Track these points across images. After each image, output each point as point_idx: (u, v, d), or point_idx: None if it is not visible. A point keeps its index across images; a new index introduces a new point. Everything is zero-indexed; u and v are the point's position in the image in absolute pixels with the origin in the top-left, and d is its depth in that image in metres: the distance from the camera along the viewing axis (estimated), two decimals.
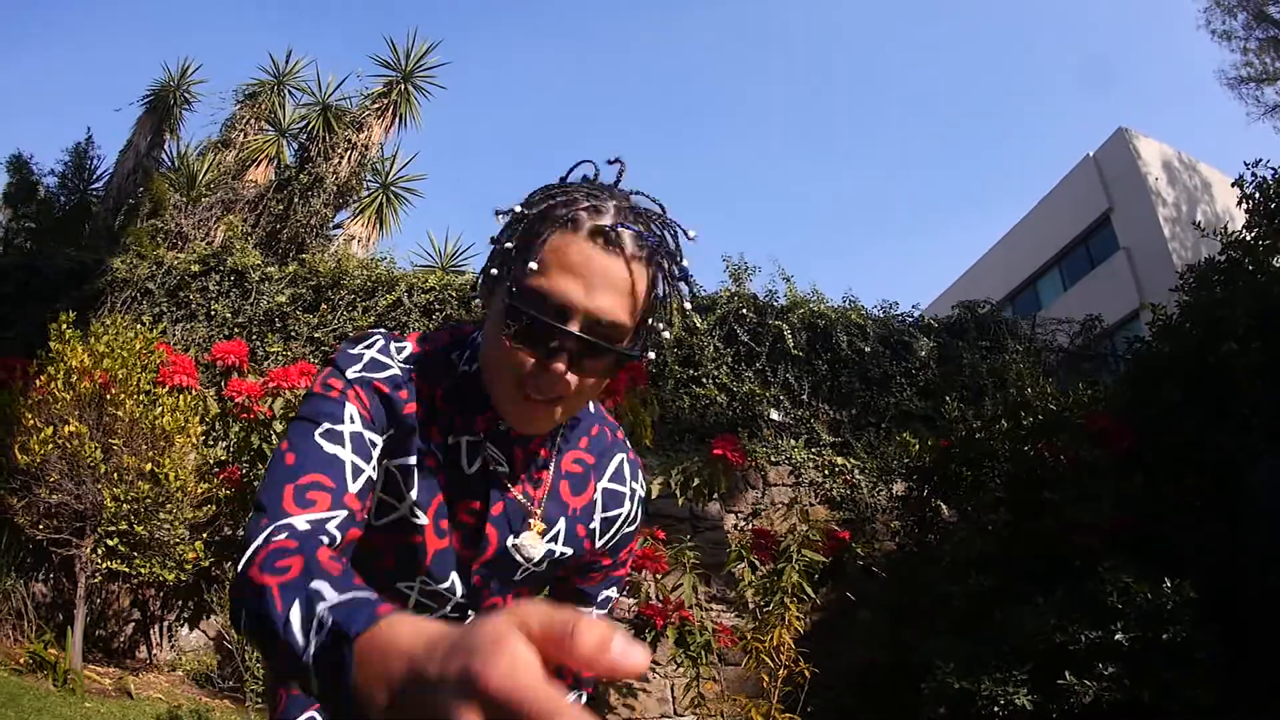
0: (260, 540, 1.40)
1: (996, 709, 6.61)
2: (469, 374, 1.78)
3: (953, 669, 6.96)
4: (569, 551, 1.88)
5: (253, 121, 21.53)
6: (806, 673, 6.08)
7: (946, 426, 9.48)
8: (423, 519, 1.75)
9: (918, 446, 9.58)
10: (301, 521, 1.47)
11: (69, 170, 22.64)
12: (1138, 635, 6.43)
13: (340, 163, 19.10)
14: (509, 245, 1.63)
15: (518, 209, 1.65)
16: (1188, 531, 7.33)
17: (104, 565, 7.54)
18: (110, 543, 7.47)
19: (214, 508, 8.14)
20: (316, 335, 13.04)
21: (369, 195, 20.88)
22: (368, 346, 1.76)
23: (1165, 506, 7.55)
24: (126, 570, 7.63)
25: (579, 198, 1.59)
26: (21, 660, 7.32)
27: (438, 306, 13.14)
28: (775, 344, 12.56)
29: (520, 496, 1.82)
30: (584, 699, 1.96)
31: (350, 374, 1.70)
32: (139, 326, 8.57)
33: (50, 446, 7.22)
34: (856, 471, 10.82)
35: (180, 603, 8.88)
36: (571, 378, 1.59)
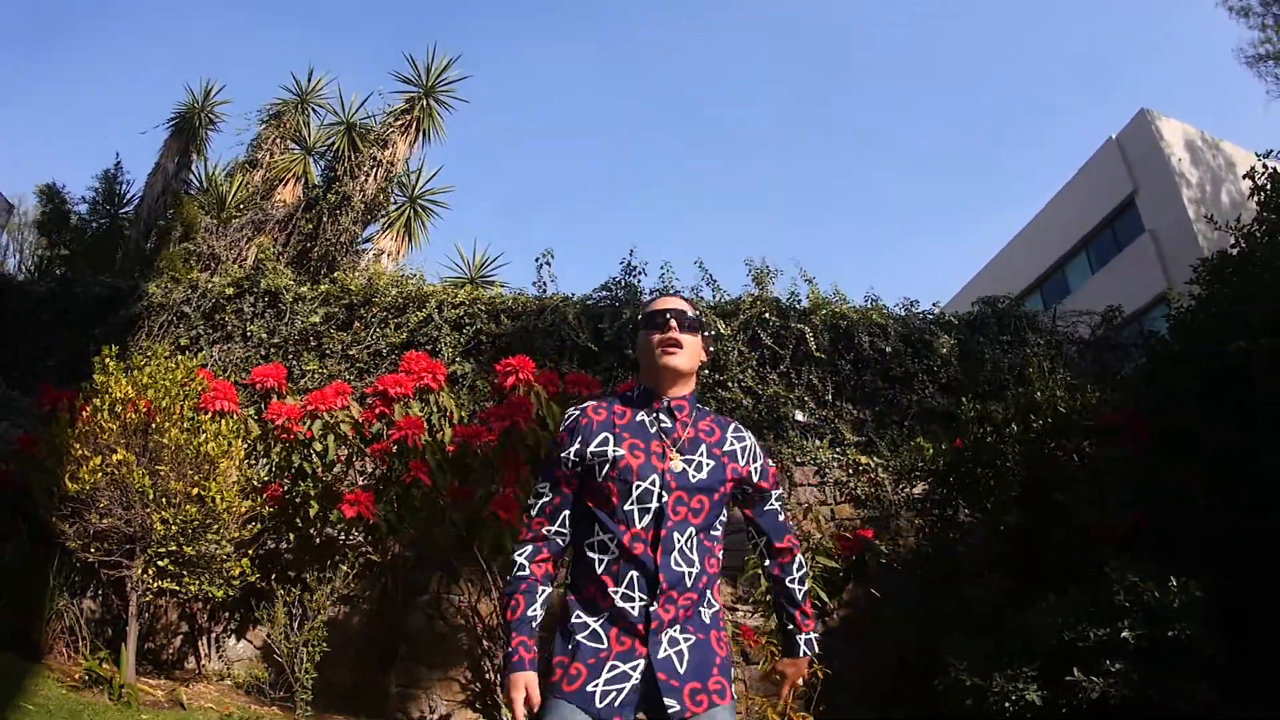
0: (517, 558, 3.42)
1: (1008, 704, 6.78)
2: (641, 391, 3.54)
3: (965, 666, 7.14)
4: (712, 463, 3.39)
5: (278, 141, 21.69)
6: (820, 674, 6.23)
7: (961, 427, 9.42)
8: (619, 450, 3.34)
9: (932, 450, 9.61)
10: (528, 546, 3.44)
11: (99, 196, 22.92)
12: (1144, 633, 6.54)
13: (366, 180, 19.32)
14: (639, 318, 3.64)
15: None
16: (1193, 525, 7.36)
17: (155, 584, 7.66)
18: (161, 563, 7.61)
19: (258, 525, 8.24)
20: (351, 353, 13.19)
21: (396, 209, 20.94)
22: (567, 414, 3.59)
23: (1171, 499, 7.55)
24: (176, 589, 7.75)
25: (650, 304, 3.59)
26: (77, 676, 7.48)
27: (468, 320, 13.24)
28: (798, 346, 12.55)
29: (677, 436, 3.43)
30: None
31: (562, 426, 3.57)
32: (180, 356, 8.65)
33: (99, 475, 7.34)
34: (880, 470, 10.84)
35: (227, 615, 9.08)
36: (677, 335, 3.43)
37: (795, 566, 3.71)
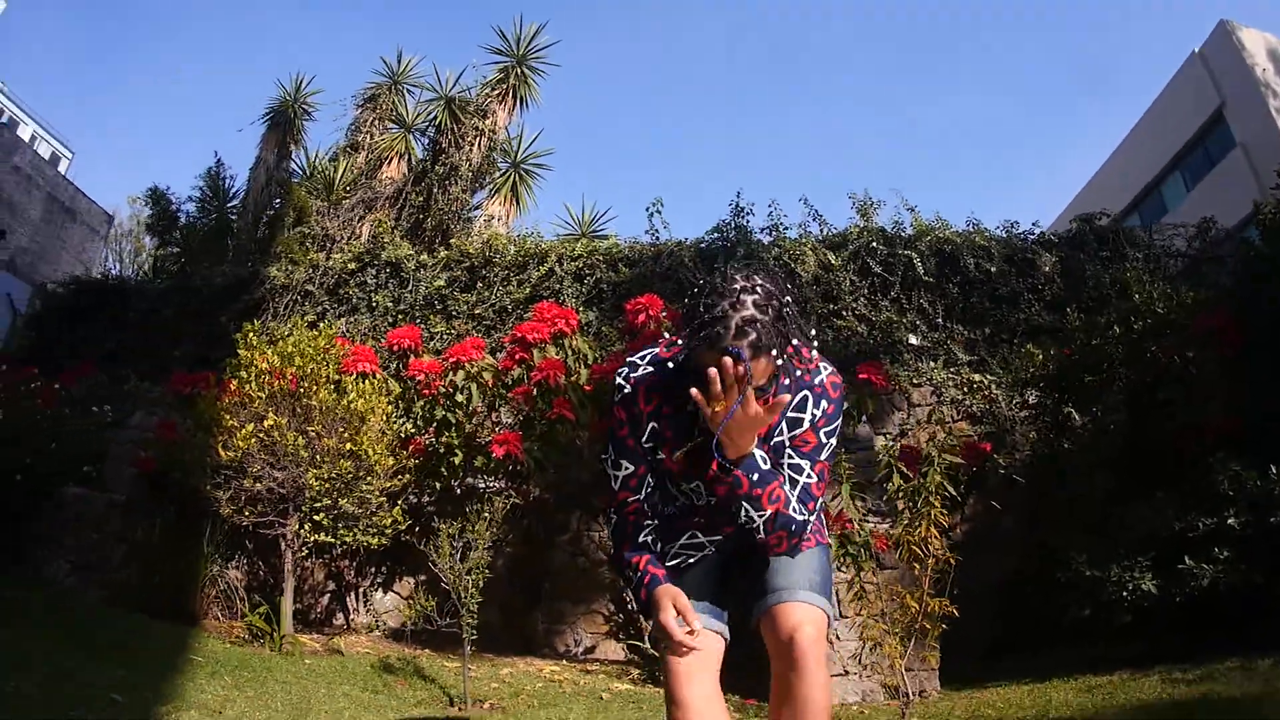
0: (614, 516, 3.25)
1: (1125, 594, 7.07)
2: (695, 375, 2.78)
3: (1085, 560, 7.42)
4: (761, 454, 2.94)
5: (376, 122, 22.10)
6: (952, 560, 6.39)
7: (1068, 336, 9.66)
8: (662, 455, 3.09)
9: (1041, 356, 9.88)
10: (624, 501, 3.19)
11: (205, 193, 23.44)
12: (1249, 520, 6.77)
13: (471, 149, 19.74)
14: (686, 329, 2.82)
15: (689, 321, 2.81)
16: None
17: (311, 539, 8.05)
18: (317, 518, 7.95)
19: (407, 476, 8.59)
20: (476, 312, 13.79)
21: (501, 176, 21.26)
22: (620, 376, 3.19)
23: (1269, 401, 7.63)
24: (332, 541, 8.15)
25: (712, 325, 2.69)
26: (236, 634, 7.87)
27: (587, 271, 13.80)
28: (906, 272, 12.92)
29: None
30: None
31: (616, 399, 3.17)
32: (322, 325, 9.05)
33: (252, 440, 7.68)
34: (993, 386, 11.14)
35: (374, 569, 9.52)
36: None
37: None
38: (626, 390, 3.16)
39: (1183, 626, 7.36)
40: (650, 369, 3.16)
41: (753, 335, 2.66)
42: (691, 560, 3.28)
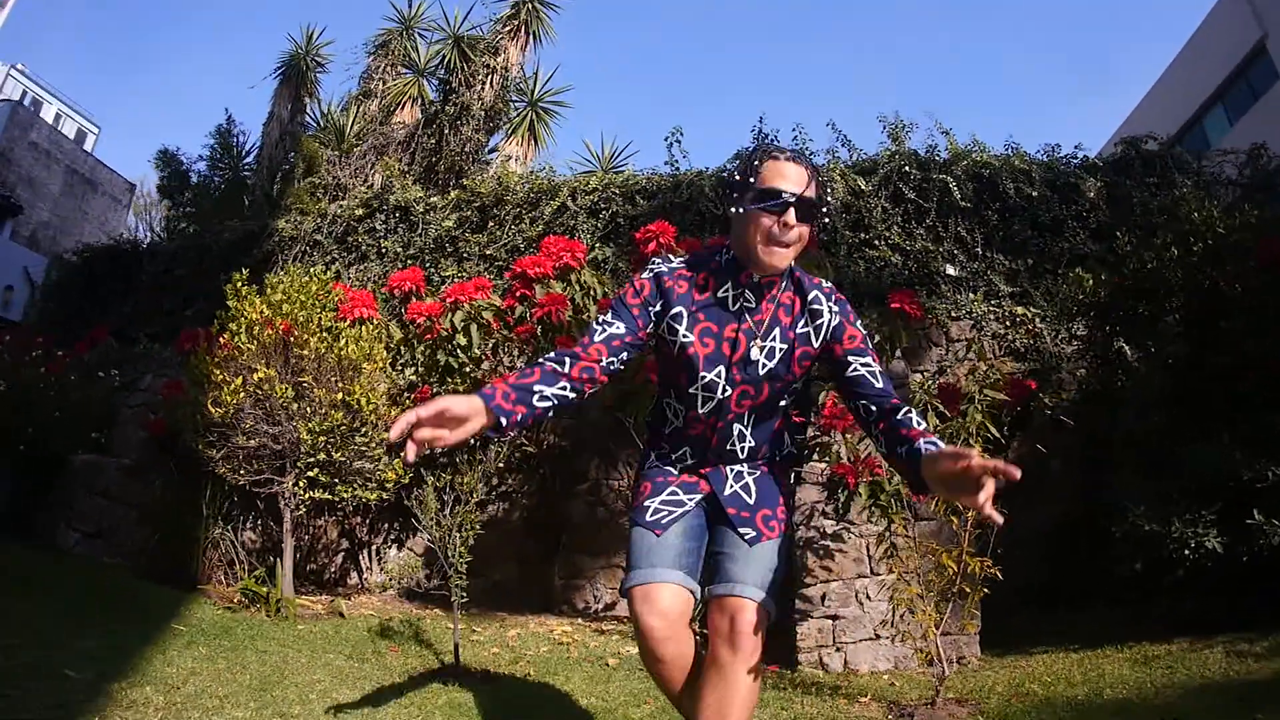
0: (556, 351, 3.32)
1: (1187, 552, 6.41)
2: (729, 259, 3.38)
3: (1143, 511, 6.71)
4: (784, 347, 3.35)
5: (389, 69, 21.85)
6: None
7: (1119, 263, 9.03)
8: (689, 337, 3.33)
9: (1090, 281, 9.24)
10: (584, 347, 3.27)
11: (217, 152, 23.60)
12: None
13: (483, 88, 19.41)
14: (738, 176, 3.29)
15: (740, 163, 3.35)
16: None
17: (307, 496, 7.74)
18: (311, 474, 7.66)
19: None
20: (488, 253, 13.28)
21: (518, 115, 20.96)
22: (653, 263, 3.50)
23: None
24: (329, 498, 7.85)
25: (769, 147, 3.26)
26: (235, 599, 7.58)
27: (603, 205, 13.19)
28: (942, 198, 12.18)
29: (759, 319, 3.35)
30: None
31: (644, 274, 3.44)
32: (315, 269, 8.69)
33: (242, 395, 7.44)
34: (1038, 320, 10.56)
35: (386, 526, 9.24)
36: (791, 232, 3.18)
37: (912, 411, 3.23)
38: (661, 270, 3.45)
39: (1245, 583, 6.70)
40: (683, 264, 3.48)
41: (806, 163, 3.25)
42: (674, 516, 3.46)
